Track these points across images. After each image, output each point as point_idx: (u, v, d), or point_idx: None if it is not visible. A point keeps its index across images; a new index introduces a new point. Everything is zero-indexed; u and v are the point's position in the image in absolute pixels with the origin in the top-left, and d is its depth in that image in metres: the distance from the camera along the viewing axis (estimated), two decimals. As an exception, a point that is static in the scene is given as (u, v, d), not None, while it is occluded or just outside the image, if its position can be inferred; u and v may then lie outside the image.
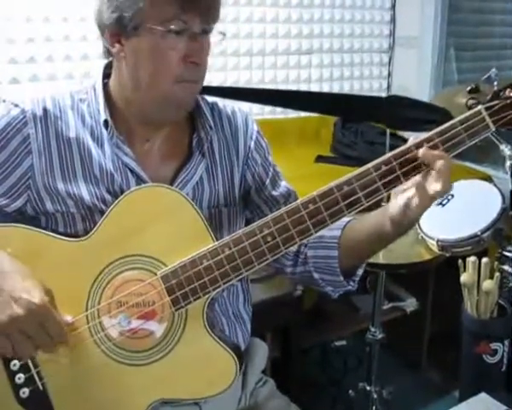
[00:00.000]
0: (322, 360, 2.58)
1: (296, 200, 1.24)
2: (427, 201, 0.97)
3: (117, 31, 1.04)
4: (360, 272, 1.18)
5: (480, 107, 0.99)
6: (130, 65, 1.06)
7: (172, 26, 1.02)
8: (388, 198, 1.05)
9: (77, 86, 1.18)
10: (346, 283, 1.16)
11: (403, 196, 1.00)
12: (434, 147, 0.98)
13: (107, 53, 1.11)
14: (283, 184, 1.26)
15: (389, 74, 3.30)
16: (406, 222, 1.01)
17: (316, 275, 1.18)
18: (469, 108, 1.01)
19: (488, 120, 0.99)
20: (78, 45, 2.34)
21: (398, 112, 1.34)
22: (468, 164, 2.72)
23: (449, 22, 3.07)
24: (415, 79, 3.15)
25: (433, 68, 3.11)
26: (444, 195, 0.99)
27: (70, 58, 2.35)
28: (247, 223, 1.09)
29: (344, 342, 2.54)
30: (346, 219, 1.10)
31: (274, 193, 1.23)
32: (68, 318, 0.99)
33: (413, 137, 1.01)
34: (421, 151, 0.97)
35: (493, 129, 1.00)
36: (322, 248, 1.15)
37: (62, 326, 0.96)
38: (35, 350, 0.96)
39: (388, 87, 3.32)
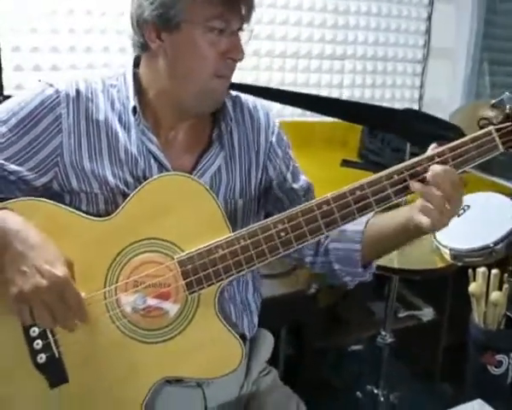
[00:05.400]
0: (336, 362, 2.58)
1: (314, 194, 1.29)
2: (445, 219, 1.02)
3: (158, 27, 1.08)
4: (375, 264, 1.24)
5: (490, 127, 1.03)
6: (170, 59, 1.10)
7: (215, 25, 1.07)
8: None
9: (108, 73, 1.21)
10: (364, 274, 1.21)
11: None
12: (445, 162, 1.02)
13: (142, 47, 1.14)
14: (303, 178, 1.30)
15: (421, 85, 3.29)
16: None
17: (336, 266, 1.23)
18: (481, 127, 1.05)
19: (498, 140, 1.03)
20: (83, 37, 2.34)
21: (413, 125, 1.38)
22: (493, 179, 2.71)
23: (484, 36, 3.06)
24: (447, 91, 3.14)
25: (466, 81, 3.10)
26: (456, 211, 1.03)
27: (74, 49, 2.35)
28: (267, 217, 1.13)
29: (360, 347, 2.55)
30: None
31: (294, 186, 1.27)
32: (86, 292, 1.04)
33: (433, 146, 1.05)
34: (429, 174, 1.01)
35: (502, 150, 1.03)
36: (345, 241, 1.20)
37: (81, 299, 1.01)
38: (53, 321, 1.00)
39: (420, 98, 3.30)
